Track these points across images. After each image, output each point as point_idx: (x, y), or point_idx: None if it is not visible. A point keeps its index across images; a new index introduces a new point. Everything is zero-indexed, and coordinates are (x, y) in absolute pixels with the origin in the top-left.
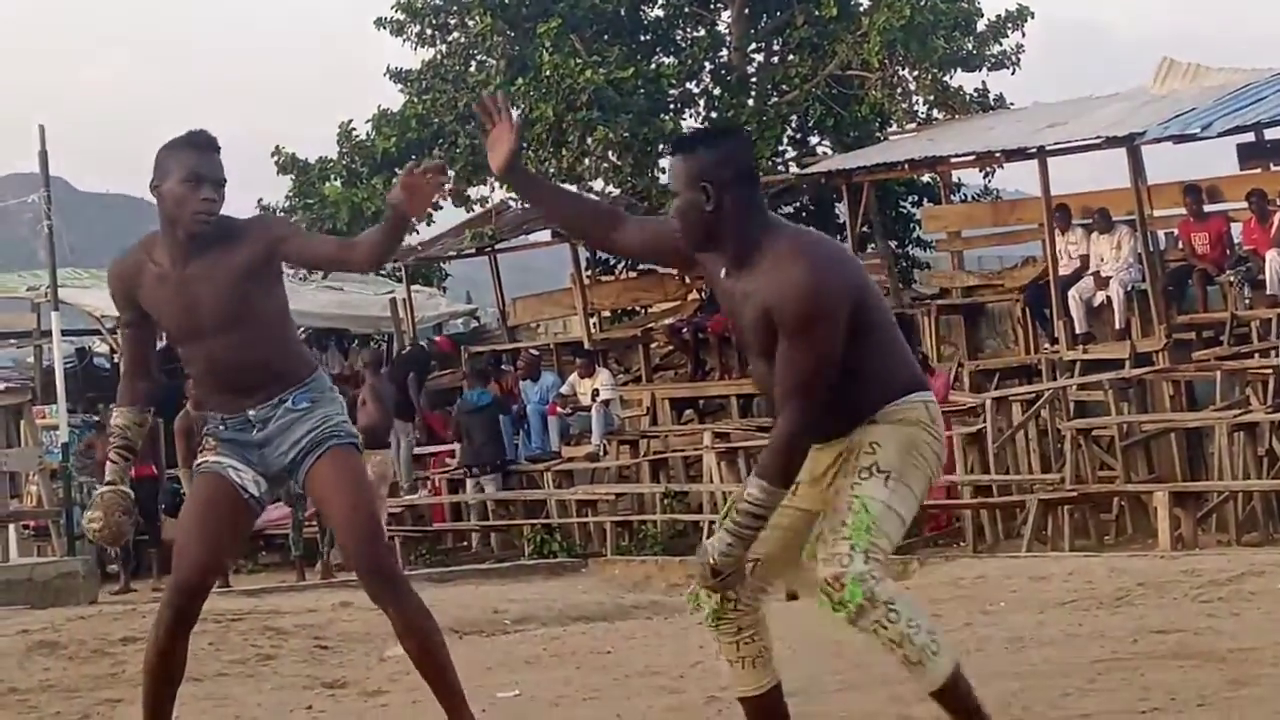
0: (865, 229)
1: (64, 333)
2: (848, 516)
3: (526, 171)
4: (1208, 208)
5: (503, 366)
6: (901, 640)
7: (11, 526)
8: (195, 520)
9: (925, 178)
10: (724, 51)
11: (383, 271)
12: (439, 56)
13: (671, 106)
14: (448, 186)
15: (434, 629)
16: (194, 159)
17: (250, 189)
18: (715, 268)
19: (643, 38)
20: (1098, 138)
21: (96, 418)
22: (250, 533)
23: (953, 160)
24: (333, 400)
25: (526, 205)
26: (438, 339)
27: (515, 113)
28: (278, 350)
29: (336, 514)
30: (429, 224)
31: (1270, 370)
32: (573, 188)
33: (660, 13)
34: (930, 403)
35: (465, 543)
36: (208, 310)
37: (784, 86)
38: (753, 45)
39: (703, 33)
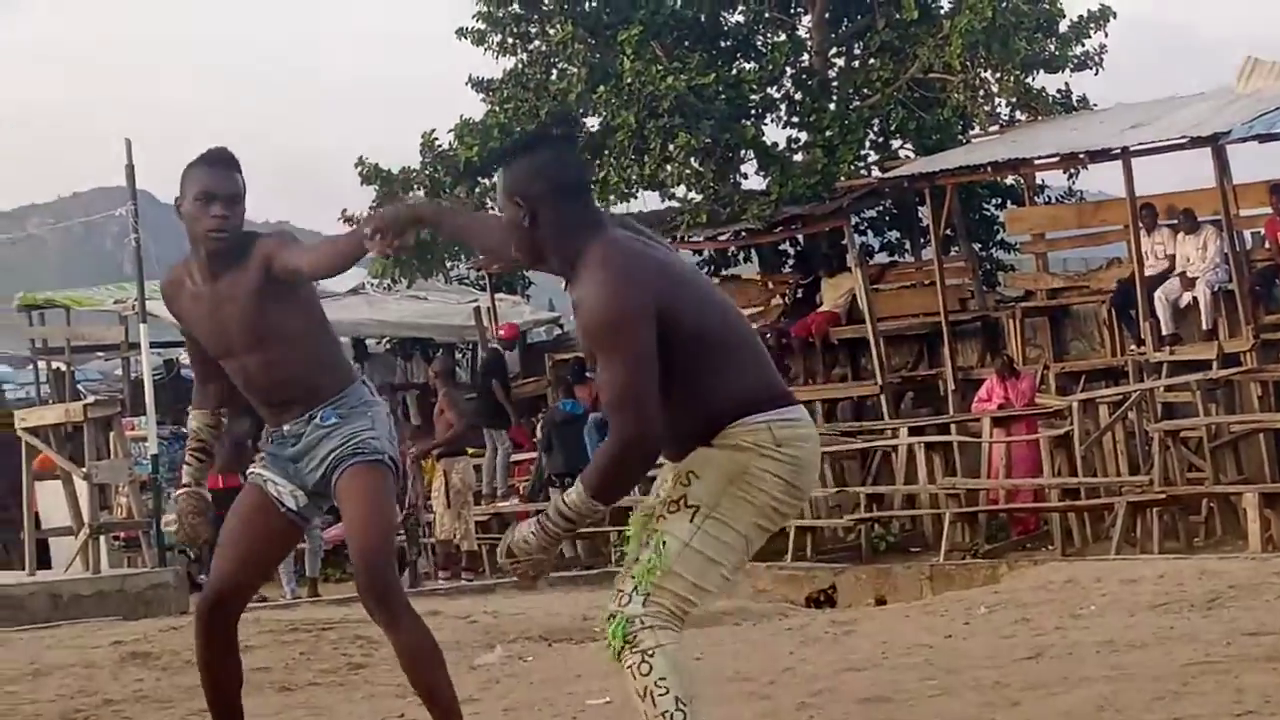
0: (949, 232)
1: (152, 345)
2: (644, 552)
3: (447, 218)
4: None
5: (586, 374)
6: (645, 694)
7: (102, 538)
8: (230, 534)
9: (1008, 180)
10: (805, 56)
11: (466, 280)
12: (520, 65)
13: (753, 112)
14: (404, 243)
15: (429, 651)
16: (207, 176)
17: (336, 199)
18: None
19: (723, 43)
20: (1182, 138)
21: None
22: (293, 546)
23: (1036, 162)
24: (363, 415)
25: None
26: (501, 330)
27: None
28: (308, 366)
29: (349, 529)
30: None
31: None
32: (655, 194)
33: (741, 18)
34: (778, 422)
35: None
36: (235, 329)
37: (865, 90)
38: (834, 49)
39: (783, 38)
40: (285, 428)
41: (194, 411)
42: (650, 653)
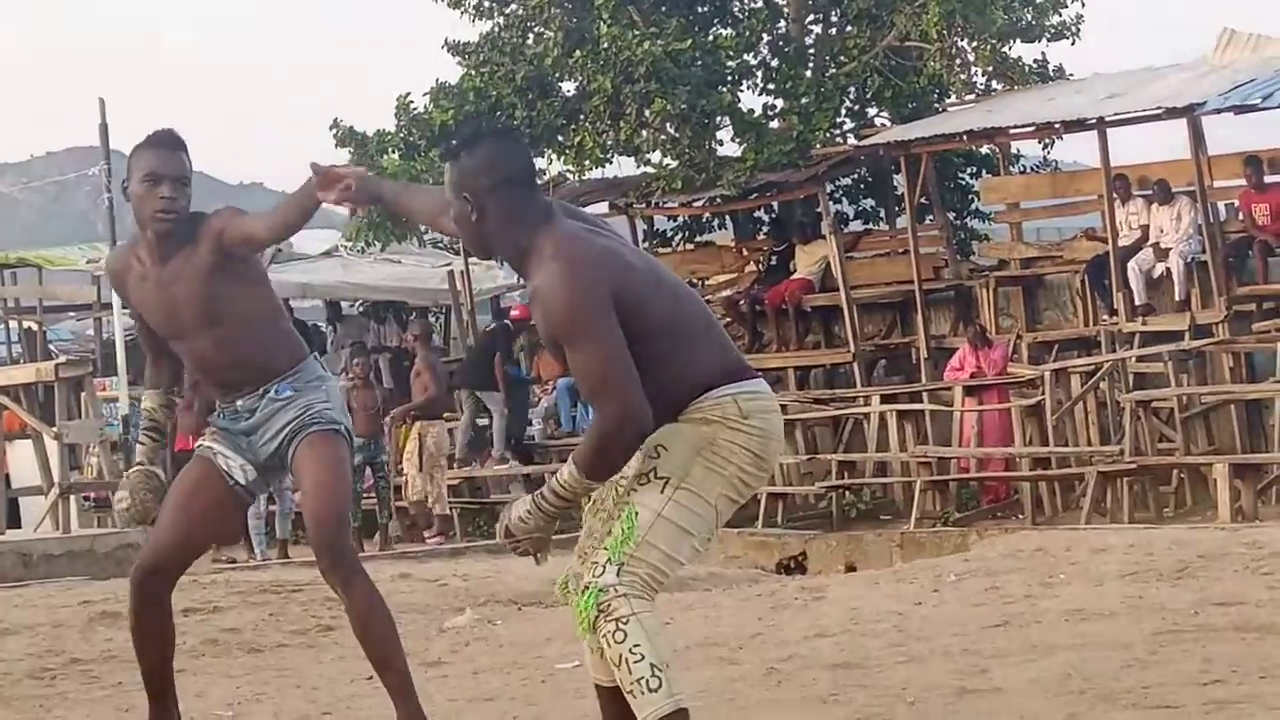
0: (923, 200)
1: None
2: (615, 525)
3: (381, 192)
4: (1268, 179)
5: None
6: (620, 662)
7: (72, 498)
8: (175, 503)
9: (984, 149)
10: (782, 23)
11: (440, 244)
12: (496, 29)
13: (729, 78)
14: (356, 207)
15: (381, 616)
16: (153, 158)
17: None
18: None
19: (700, 9)
20: (1157, 109)
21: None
22: (236, 520)
23: (1012, 131)
24: (317, 388)
25: (582, 179)
26: (514, 311)
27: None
28: (261, 344)
29: (305, 494)
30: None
31: None
32: (631, 160)
33: None
34: (744, 394)
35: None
36: (186, 310)
37: (842, 58)
38: (811, 16)
39: (760, 4)
40: (239, 403)
41: (146, 392)
42: (625, 620)
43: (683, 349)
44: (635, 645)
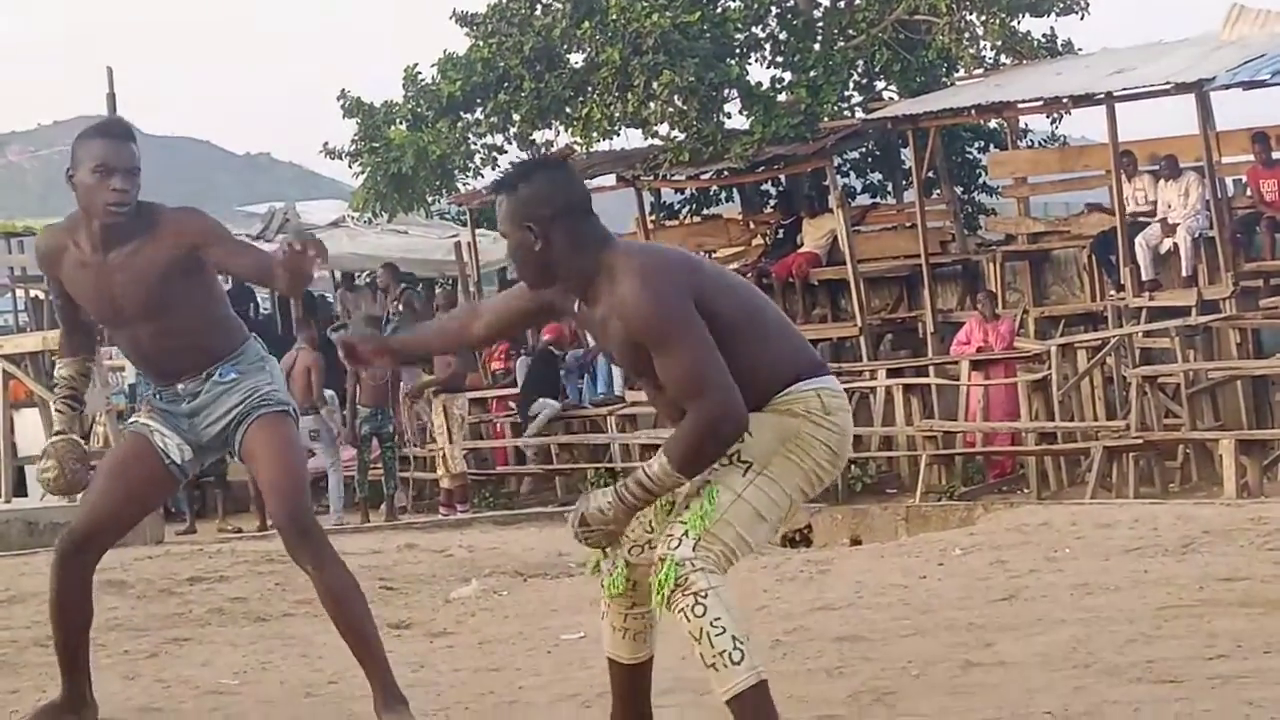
0: (931, 174)
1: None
2: (694, 501)
3: (399, 349)
4: (1276, 155)
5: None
6: (701, 636)
7: None
8: (105, 476)
9: (992, 123)
10: None
11: (447, 215)
12: (505, 0)
13: (737, 51)
14: (320, 264)
15: (353, 591)
16: (104, 149)
17: (317, 132)
18: (569, 303)
19: None
20: (1166, 84)
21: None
22: (167, 498)
23: (1020, 106)
24: (261, 369)
25: (589, 151)
26: (545, 334)
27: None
28: (204, 331)
29: (263, 475)
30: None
31: None
32: (638, 132)
33: None
34: (825, 391)
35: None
36: (129, 300)
37: (850, 31)
38: None
39: None
40: (180, 387)
41: (63, 361)
42: (704, 594)
43: (760, 346)
44: (716, 618)
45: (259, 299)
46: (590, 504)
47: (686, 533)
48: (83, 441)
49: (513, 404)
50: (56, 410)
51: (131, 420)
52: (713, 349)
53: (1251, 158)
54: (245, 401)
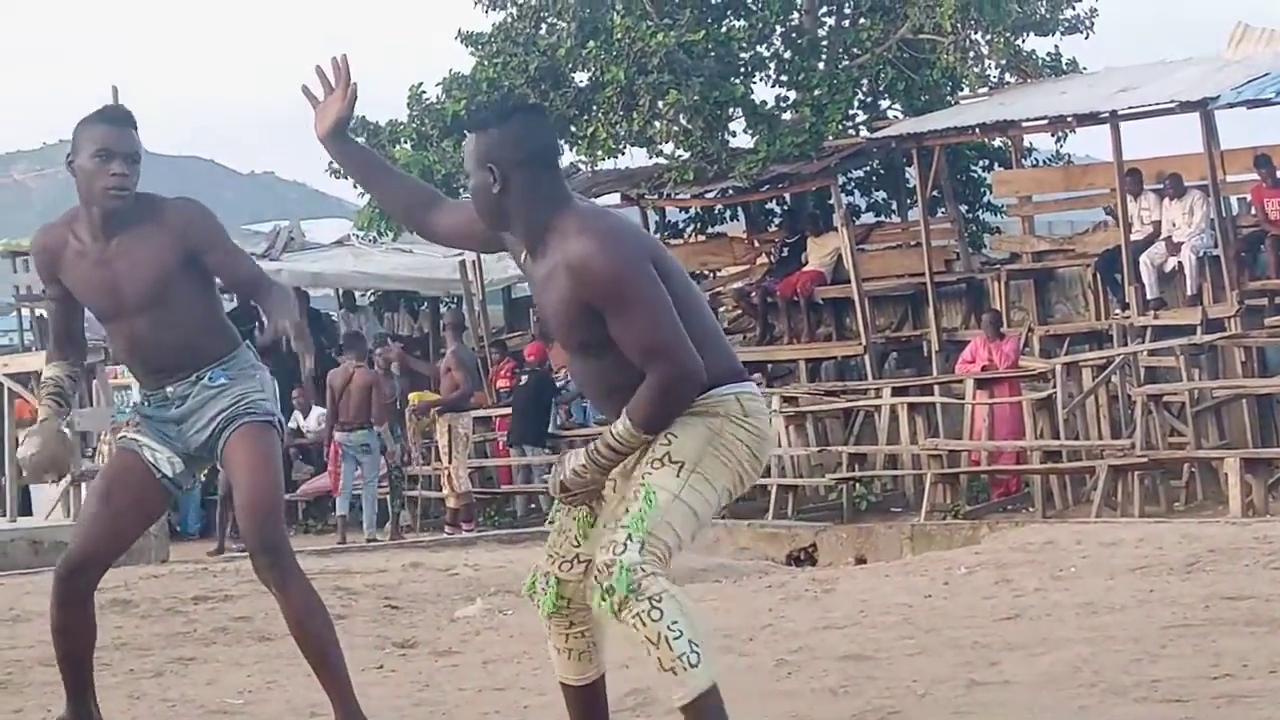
0: (935, 193)
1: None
2: (632, 505)
3: (351, 141)
4: None
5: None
6: (658, 640)
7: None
8: (98, 496)
9: (996, 142)
10: (795, 15)
11: None
12: (509, 19)
13: (742, 70)
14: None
15: (317, 614)
16: (105, 134)
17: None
18: (518, 251)
19: (713, 0)
20: (1170, 102)
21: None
22: (161, 514)
23: (1024, 125)
24: (251, 377)
25: (595, 169)
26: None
27: (354, 84)
28: (199, 329)
29: (239, 489)
30: None
31: None
32: (643, 151)
33: None
34: (745, 394)
35: (535, 505)
36: (128, 290)
37: (855, 50)
38: (824, 8)
39: None
40: (169, 389)
41: (51, 364)
42: (658, 598)
43: (699, 340)
44: (674, 622)
45: (264, 318)
46: (566, 469)
47: (630, 536)
48: (69, 433)
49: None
50: (44, 404)
51: (121, 435)
52: (672, 310)
53: (1256, 176)
54: (232, 408)
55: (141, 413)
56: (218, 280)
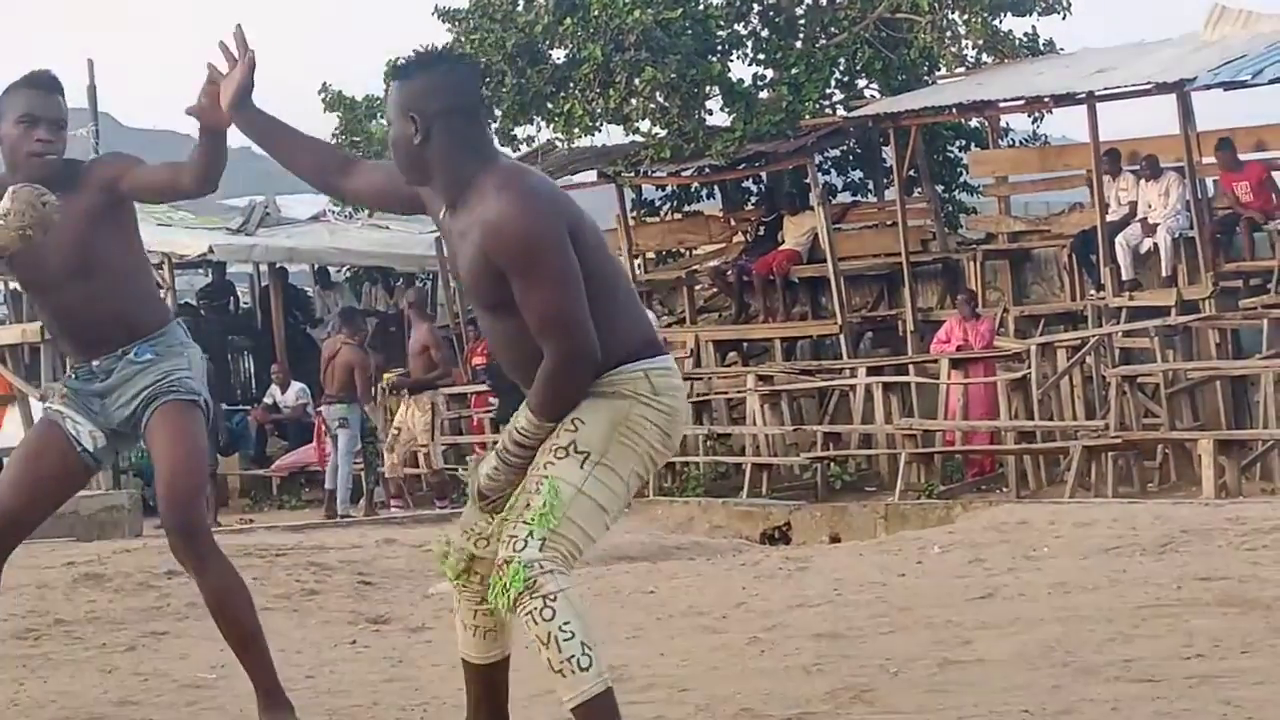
0: (912, 173)
1: None
2: (534, 499)
3: (256, 109)
4: (1248, 156)
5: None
6: (548, 640)
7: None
8: (17, 466)
9: (973, 122)
10: None
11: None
12: None
13: (719, 48)
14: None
15: (236, 593)
16: (30, 99)
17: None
18: (436, 206)
19: None
20: (1147, 84)
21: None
22: (79, 487)
23: (1001, 105)
24: (179, 355)
25: (571, 147)
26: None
27: (251, 52)
28: (129, 301)
29: (159, 468)
30: None
31: None
32: (620, 128)
33: None
34: (656, 370)
35: None
36: (54, 260)
37: (832, 29)
38: None
39: None
40: (95, 363)
41: None
42: (553, 597)
43: (613, 307)
44: (565, 623)
45: (238, 293)
46: (480, 476)
47: (531, 533)
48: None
49: (493, 400)
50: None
51: (46, 406)
52: (579, 284)
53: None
54: (156, 384)
55: (68, 385)
56: (152, 201)
